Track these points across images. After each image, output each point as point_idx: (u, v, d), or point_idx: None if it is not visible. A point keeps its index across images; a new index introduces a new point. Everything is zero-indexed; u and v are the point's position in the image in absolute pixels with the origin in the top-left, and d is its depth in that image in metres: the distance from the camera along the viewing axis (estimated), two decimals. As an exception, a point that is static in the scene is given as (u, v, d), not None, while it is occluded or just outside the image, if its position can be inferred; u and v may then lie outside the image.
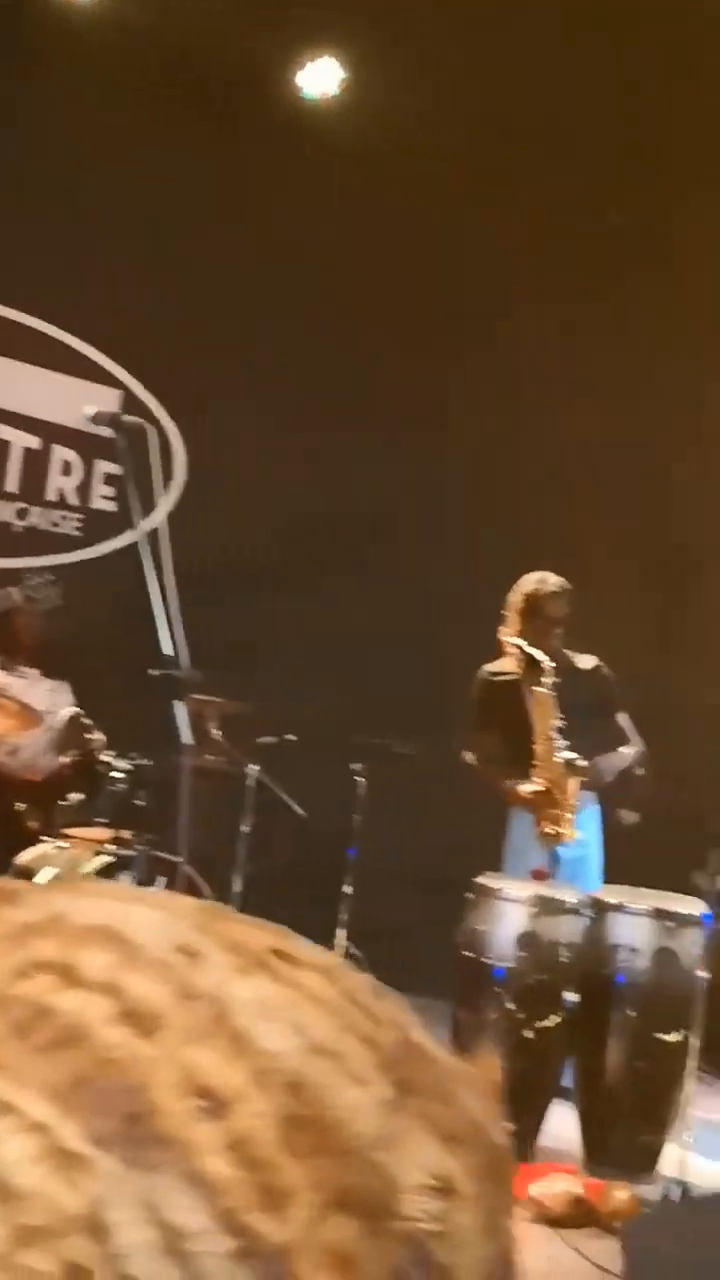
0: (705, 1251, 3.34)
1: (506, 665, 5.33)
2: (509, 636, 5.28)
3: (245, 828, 5.58)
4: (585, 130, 6.34)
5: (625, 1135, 4.52)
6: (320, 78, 6.24)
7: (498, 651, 5.36)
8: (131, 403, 6.36)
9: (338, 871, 5.73)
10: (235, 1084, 0.99)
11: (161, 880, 4.84)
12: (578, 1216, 4.01)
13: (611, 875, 5.24)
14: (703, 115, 6.22)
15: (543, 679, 5.08)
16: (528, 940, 4.51)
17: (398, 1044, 1.09)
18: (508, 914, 4.57)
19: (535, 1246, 3.90)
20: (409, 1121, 1.03)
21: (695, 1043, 4.35)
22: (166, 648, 3.51)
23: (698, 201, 6.38)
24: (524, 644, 5.14)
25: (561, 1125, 4.65)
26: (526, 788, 5.10)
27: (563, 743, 5.08)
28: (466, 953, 4.58)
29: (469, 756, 5.29)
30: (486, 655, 5.39)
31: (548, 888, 4.79)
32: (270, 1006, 1.05)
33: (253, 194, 6.30)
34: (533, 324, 6.54)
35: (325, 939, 5.71)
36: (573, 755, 5.05)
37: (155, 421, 6.27)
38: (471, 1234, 1.02)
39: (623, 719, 5.30)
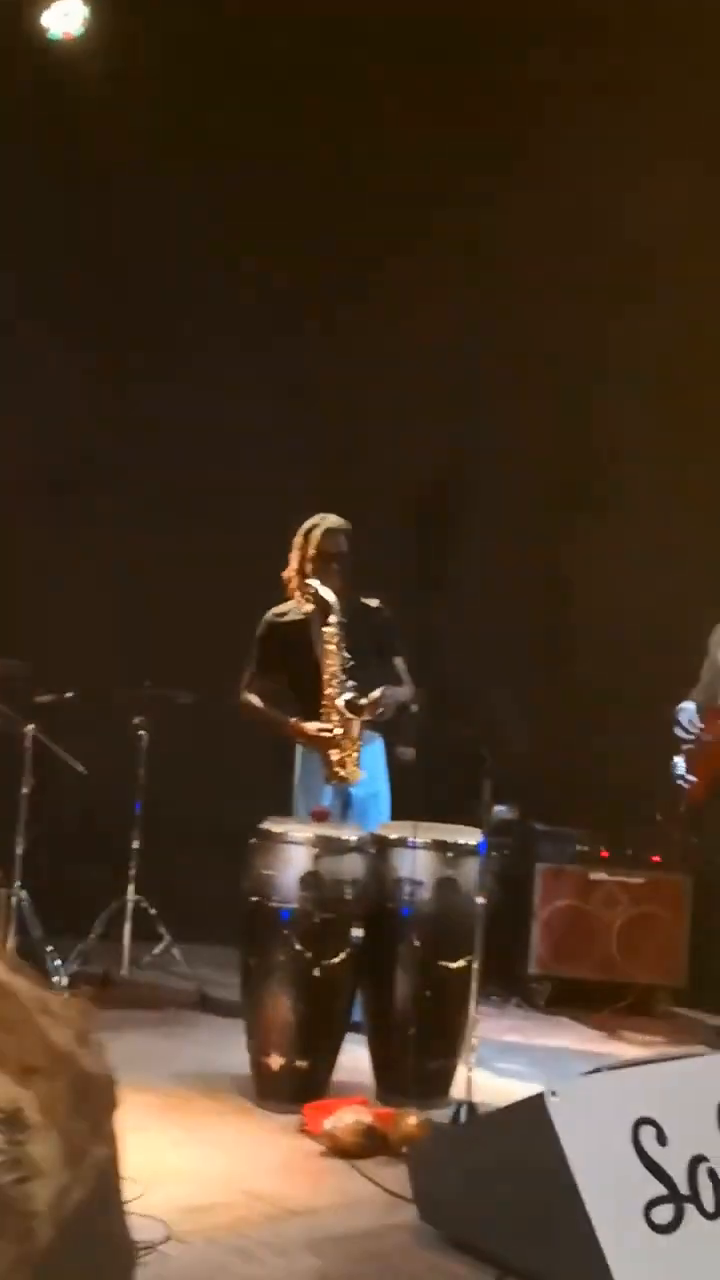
0: (486, 1166, 3.41)
1: (291, 606, 5.34)
2: (293, 577, 5.29)
3: (25, 789, 5.48)
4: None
5: (416, 1063, 4.60)
6: (64, 18, 6.06)
7: (284, 594, 5.35)
8: None
9: (125, 827, 5.68)
10: None
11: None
12: (369, 1146, 4.07)
13: (399, 810, 5.29)
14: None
15: (329, 619, 5.10)
16: (311, 881, 4.53)
17: (-33, 981, 1.06)
18: (291, 856, 4.58)
19: (329, 1179, 3.95)
20: (-26, 1057, 1.00)
21: (477, 967, 4.44)
22: None
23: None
24: (317, 584, 5.16)
25: (355, 1059, 4.71)
26: (313, 726, 5.12)
27: (349, 682, 5.11)
28: (253, 898, 4.58)
29: (252, 699, 5.28)
30: (267, 600, 5.37)
31: (329, 828, 4.82)
32: None
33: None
34: (290, 254, 6.49)
35: (116, 895, 5.67)
36: (356, 696, 5.09)
37: None
38: (47, 1164, 0.99)
39: (398, 661, 5.37)
